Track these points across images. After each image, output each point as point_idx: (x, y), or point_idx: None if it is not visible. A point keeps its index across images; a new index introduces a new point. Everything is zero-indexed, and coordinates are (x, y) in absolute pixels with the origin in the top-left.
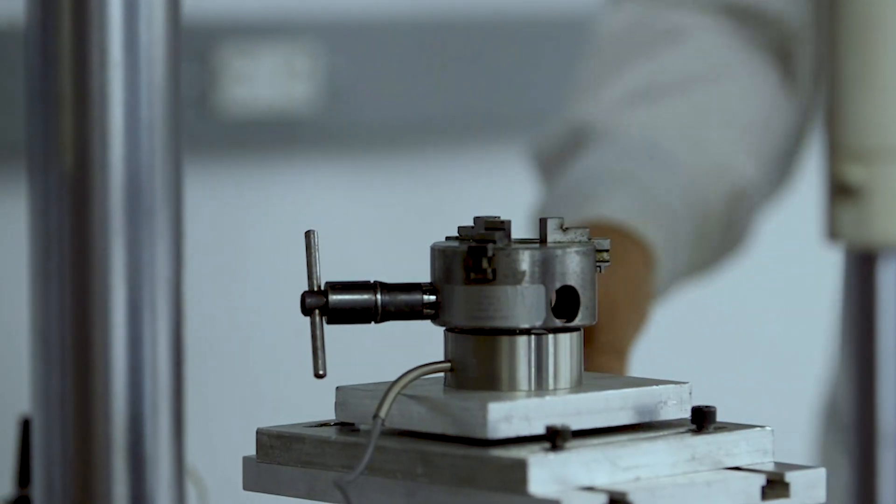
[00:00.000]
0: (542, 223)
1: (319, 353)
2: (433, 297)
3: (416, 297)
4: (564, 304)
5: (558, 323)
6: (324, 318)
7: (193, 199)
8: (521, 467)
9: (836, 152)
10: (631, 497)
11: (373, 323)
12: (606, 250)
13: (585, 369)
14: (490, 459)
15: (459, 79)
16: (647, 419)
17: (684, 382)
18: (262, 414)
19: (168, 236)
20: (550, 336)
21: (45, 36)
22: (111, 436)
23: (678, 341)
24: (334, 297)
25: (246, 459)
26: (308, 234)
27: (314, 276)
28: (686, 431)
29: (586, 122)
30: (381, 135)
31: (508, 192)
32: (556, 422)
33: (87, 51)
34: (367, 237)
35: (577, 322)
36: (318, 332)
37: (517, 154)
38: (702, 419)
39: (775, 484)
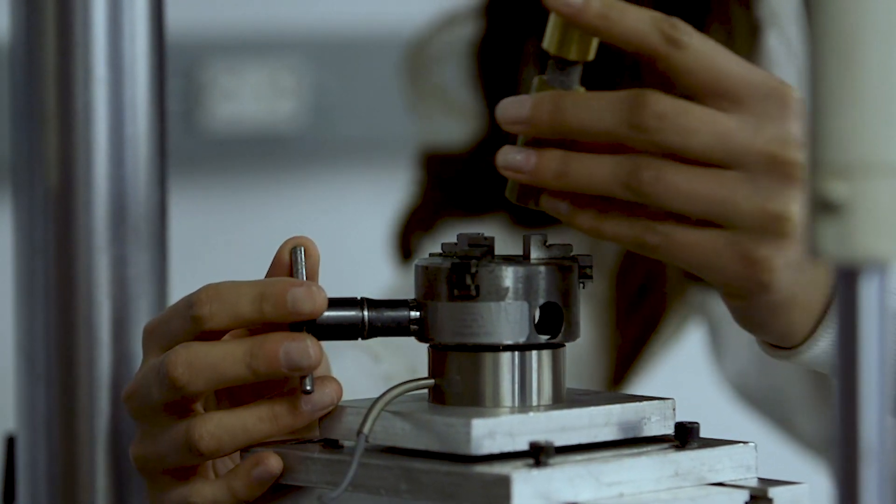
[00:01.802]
0: (526, 240)
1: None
2: (419, 314)
3: (402, 313)
4: (548, 320)
5: (542, 339)
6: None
7: (179, 215)
8: (504, 483)
9: (817, 168)
10: None
11: (359, 339)
12: (589, 266)
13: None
14: (474, 476)
15: None
16: (630, 435)
17: (668, 398)
18: None
19: (153, 253)
20: (534, 352)
21: (30, 53)
22: (95, 453)
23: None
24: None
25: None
26: (294, 252)
27: None
28: (669, 447)
29: None
30: (365, 152)
31: None
32: (540, 438)
33: (72, 68)
34: (352, 253)
35: (560, 338)
36: None
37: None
38: (685, 435)
39: (759, 500)
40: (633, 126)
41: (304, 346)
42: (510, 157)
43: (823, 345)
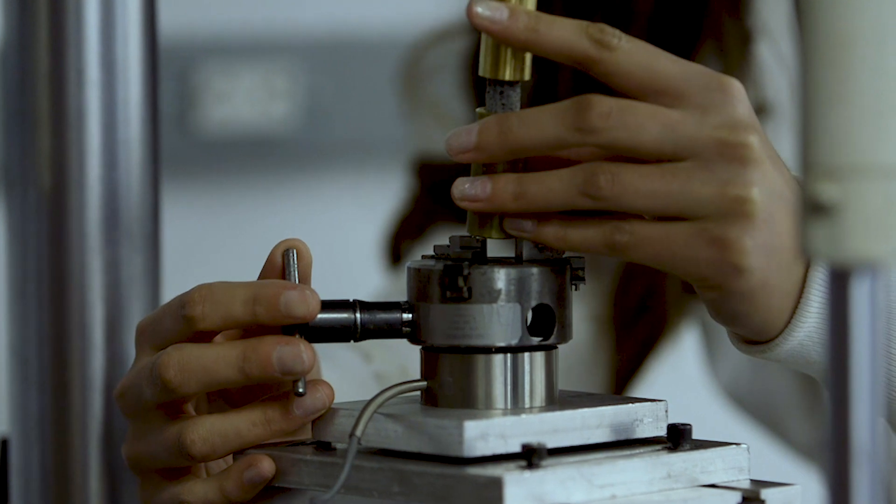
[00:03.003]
0: (518, 241)
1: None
2: (412, 316)
3: (395, 315)
4: (540, 322)
5: (534, 341)
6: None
7: (172, 217)
8: (497, 485)
9: (809, 170)
10: None
11: (352, 341)
12: (581, 268)
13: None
14: (466, 478)
15: None
16: (623, 437)
17: (660, 400)
18: None
19: (146, 255)
20: (526, 354)
21: (22, 55)
22: (89, 455)
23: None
24: None
25: None
26: (286, 254)
27: None
28: (662, 449)
29: None
30: (359, 154)
31: None
32: (532, 440)
33: (64, 70)
34: (346, 255)
35: (552, 340)
36: None
37: None
38: (678, 437)
39: (751, 501)
40: (579, 129)
41: (297, 351)
42: (465, 189)
43: (800, 336)
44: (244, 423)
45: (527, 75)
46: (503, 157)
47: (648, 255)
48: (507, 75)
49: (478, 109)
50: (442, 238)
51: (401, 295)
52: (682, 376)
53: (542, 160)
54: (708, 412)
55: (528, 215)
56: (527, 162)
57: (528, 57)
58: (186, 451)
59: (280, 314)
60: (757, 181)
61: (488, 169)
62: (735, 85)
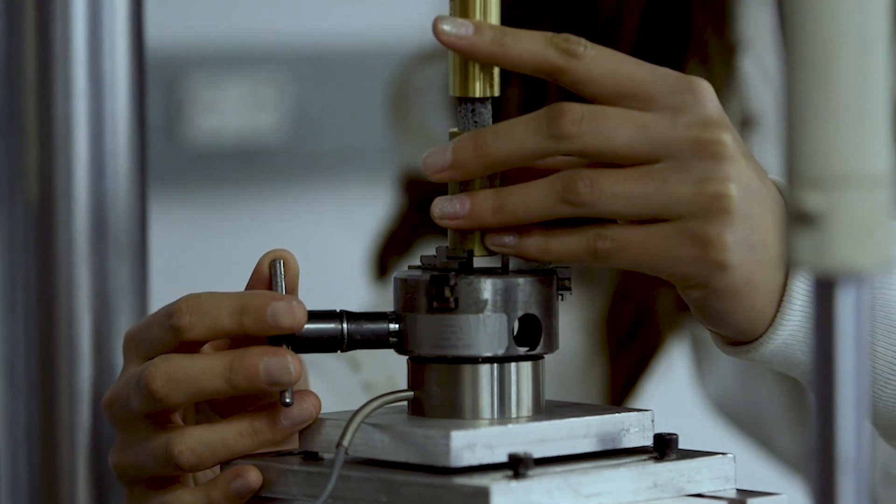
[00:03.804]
0: None
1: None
2: (399, 326)
3: (381, 325)
4: (526, 332)
5: (521, 351)
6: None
7: (159, 228)
8: (483, 495)
9: (794, 180)
10: None
11: (339, 352)
12: (568, 278)
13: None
14: (453, 487)
15: None
16: (609, 446)
17: (647, 410)
18: None
19: (133, 265)
20: (513, 364)
21: (9, 66)
22: (77, 465)
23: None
24: None
25: None
26: (273, 264)
27: None
28: (648, 459)
29: None
30: (347, 164)
31: None
32: (519, 449)
33: (52, 81)
34: (333, 266)
35: (539, 350)
36: None
37: None
38: (664, 446)
39: None
40: (553, 137)
41: (284, 362)
42: (444, 207)
43: (784, 335)
44: (231, 434)
45: (496, 91)
46: (480, 173)
47: (631, 259)
48: (478, 92)
49: (451, 130)
50: (428, 252)
51: (386, 308)
52: (671, 390)
53: (517, 175)
54: (697, 426)
55: (509, 229)
56: (502, 178)
57: (497, 72)
58: (174, 461)
59: (267, 325)
60: (733, 177)
61: (465, 186)
62: (703, 85)
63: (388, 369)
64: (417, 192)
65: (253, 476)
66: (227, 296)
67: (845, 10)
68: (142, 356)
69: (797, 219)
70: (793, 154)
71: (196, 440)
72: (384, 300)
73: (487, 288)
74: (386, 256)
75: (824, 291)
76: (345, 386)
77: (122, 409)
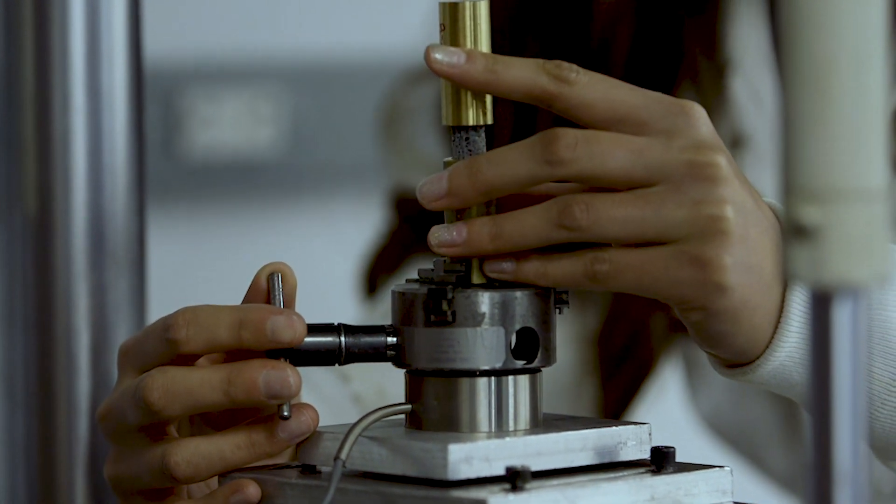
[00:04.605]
0: None
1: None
2: (396, 339)
3: (379, 338)
4: (524, 345)
5: (518, 364)
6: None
7: (158, 243)
8: None
9: (791, 194)
10: None
11: (336, 365)
12: (565, 292)
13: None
14: (451, 500)
15: None
16: (606, 460)
17: (644, 423)
18: None
19: (131, 280)
20: (510, 377)
21: (8, 81)
22: (74, 478)
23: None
24: None
25: None
26: (271, 278)
27: None
28: (646, 472)
29: None
30: (345, 179)
31: None
32: (517, 463)
33: (50, 96)
34: (331, 281)
35: (536, 363)
36: None
37: None
38: (661, 459)
39: None
40: (548, 162)
41: (284, 376)
42: (442, 236)
43: (782, 356)
44: (228, 446)
45: (490, 119)
46: (476, 200)
47: (630, 282)
48: (471, 120)
49: (445, 159)
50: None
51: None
52: (663, 410)
53: (512, 202)
54: (689, 445)
55: (507, 255)
56: (498, 205)
57: (490, 100)
58: (170, 473)
59: (266, 339)
60: (729, 199)
61: (461, 214)
62: (696, 108)
63: (378, 381)
64: (407, 210)
65: (252, 490)
66: (224, 309)
67: (841, 25)
68: (137, 368)
69: (794, 232)
70: (789, 168)
71: (192, 452)
72: (375, 317)
73: (485, 301)
74: (375, 274)
75: (821, 304)
76: (335, 398)
77: (118, 422)
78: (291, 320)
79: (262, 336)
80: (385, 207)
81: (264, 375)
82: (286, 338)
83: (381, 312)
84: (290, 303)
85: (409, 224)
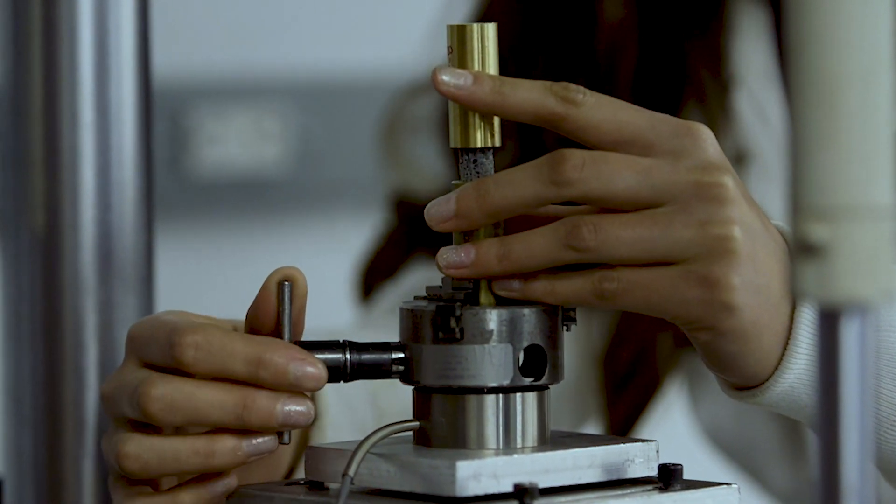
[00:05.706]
0: None
1: None
2: (402, 356)
3: (385, 356)
4: (532, 362)
5: (526, 381)
6: None
7: (165, 259)
8: None
9: (798, 211)
10: None
11: (342, 382)
12: (573, 309)
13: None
14: None
15: None
16: (614, 477)
17: (651, 440)
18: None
19: (139, 296)
20: (518, 394)
21: (16, 97)
22: (82, 495)
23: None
24: None
25: None
26: (280, 287)
27: (284, 329)
28: (653, 489)
29: None
30: (351, 195)
31: None
32: (524, 479)
33: (58, 112)
34: (339, 297)
35: (544, 380)
36: None
37: None
38: (668, 477)
39: None
40: (555, 183)
41: (306, 409)
42: (450, 258)
43: (791, 378)
44: (185, 450)
45: (497, 141)
46: (484, 221)
47: (638, 301)
48: (479, 142)
49: (453, 182)
50: (416, 275)
51: (373, 330)
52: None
53: (520, 224)
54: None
55: (515, 275)
56: (505, 227)
57: (497, 122)
58: (120, 464)
59: (288, 384)
60: (736, 219)
61: (469, 236)
62: (703, 129)
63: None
64: (408, 213)
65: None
66: (238, 339)
67: (849, 43)
68: (140, 360)
69: (802, 250)
70: (797, 185)
71: (147, 447)
72: (366, 324)
73: (493, 318)
74: (372, 278)
75: (829, 322)
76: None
77: (114, 409)
78: (317, 369)
79: (283, 380)
80: (384, 211)
81: (283, 405)
82: (310, 386)
83: (380, 313)
84: (299, 311)
85: (407, 226)
